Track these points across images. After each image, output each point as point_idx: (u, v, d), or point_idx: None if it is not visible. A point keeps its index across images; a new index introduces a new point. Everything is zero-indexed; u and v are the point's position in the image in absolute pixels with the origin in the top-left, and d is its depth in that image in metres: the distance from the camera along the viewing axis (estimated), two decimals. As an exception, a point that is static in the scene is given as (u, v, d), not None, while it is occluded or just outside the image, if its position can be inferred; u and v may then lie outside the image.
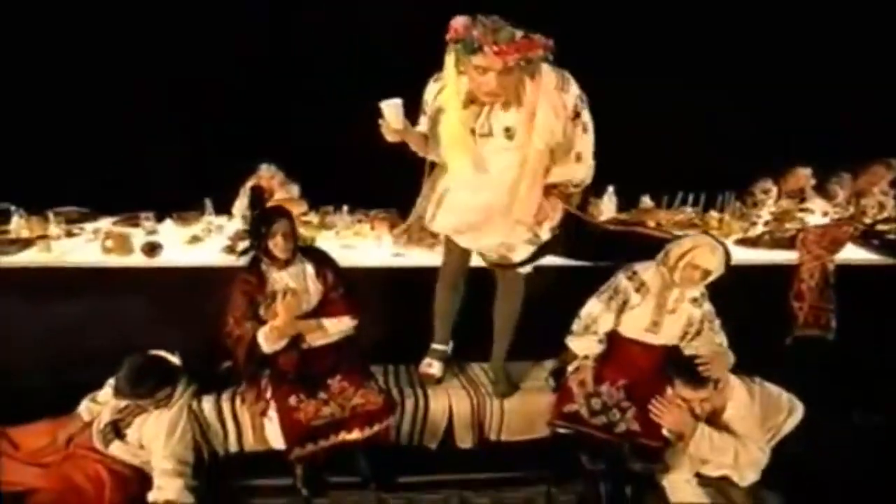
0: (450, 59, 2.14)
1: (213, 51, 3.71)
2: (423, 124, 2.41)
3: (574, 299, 2.84)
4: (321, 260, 2.63)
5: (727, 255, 2.58)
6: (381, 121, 2.17)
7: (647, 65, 4.00)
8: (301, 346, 2.56)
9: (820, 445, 2.68)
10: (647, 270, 2.66)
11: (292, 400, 2.49)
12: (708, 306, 2.65)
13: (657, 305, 2.62)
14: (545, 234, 2.51)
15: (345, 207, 3.45)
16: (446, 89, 2.22)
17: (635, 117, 3.73)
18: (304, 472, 2.56)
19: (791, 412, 2.70)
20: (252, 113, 3.76)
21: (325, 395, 2.52)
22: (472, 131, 2.24)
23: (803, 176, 4.25)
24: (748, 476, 2.65)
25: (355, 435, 2.49)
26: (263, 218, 2.50)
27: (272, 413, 2.50)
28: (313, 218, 3.60)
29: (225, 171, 3.48)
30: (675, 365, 2.49)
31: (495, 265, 2.73)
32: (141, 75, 3.82)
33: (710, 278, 2.56)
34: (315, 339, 2.58)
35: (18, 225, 3.22)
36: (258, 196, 3.51)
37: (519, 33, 2.02)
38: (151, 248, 3.05)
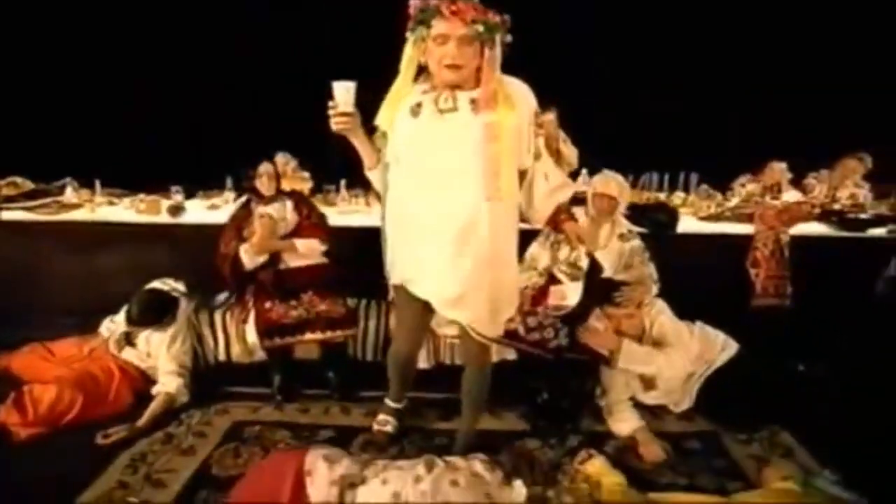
0: (408, 49, 2.06)
1: (236, 56, 4.35)
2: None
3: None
4: (300, 198, 3.11)
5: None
6: (330, 103, 2.03)
7: (621, 49, 4.24)
8: (278, 266, 3.01)
9: (760, 386, 2.88)
10: (578, 214, 3.01)
11: (267, 304, 2.92)
12: (637, 242, 2.95)
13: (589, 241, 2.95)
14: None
15: (342, 182, 3.94)
16: (401, 82, 2.09)
17: (605, 99, 4.04)
18: (280, 382, 2.96)
19: (725, 348, 2.92)
20: (270, 107, 4.35)
21: (295, 302, 2.93)
22: (438, 110, 2.05)
23: (779, 170, 4.45)
24: (682, 402, 2.90)
25: (318, 335, 2.89)
26: (252, 163, 3.01)
27: (251, 318, 2.92)
28: (319, 197, 4.09)
29: (247, 157, 4.04)
30: (603, 287, 2.83)
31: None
32: (184, 84, 4.52)
33: (622, 206, 2.90)
34: (290, 260, 3.02)
35: (70, 194, 3.84)
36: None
37: None
38: (175, 209, 3.62)
